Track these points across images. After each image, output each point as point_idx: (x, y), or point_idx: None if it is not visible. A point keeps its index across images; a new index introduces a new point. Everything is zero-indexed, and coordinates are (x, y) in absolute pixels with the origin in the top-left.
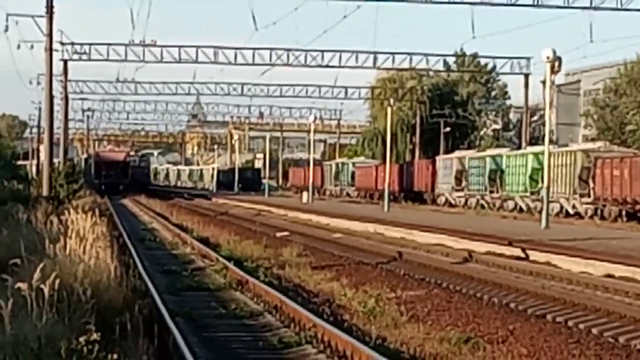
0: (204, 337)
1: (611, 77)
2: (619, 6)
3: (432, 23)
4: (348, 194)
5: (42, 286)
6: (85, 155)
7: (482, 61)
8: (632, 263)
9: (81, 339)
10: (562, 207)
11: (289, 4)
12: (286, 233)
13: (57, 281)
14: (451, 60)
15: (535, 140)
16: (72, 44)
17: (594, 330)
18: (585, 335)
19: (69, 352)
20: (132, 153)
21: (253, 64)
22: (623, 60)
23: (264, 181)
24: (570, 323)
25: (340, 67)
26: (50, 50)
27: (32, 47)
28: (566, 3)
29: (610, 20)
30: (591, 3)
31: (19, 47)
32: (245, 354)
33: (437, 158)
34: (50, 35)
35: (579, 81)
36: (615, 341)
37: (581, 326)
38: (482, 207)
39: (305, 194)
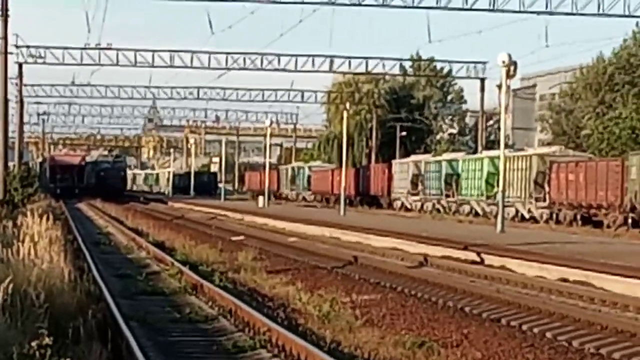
0: (158, 342)
1: (567, 81)
2: (575, 11)
3: (388, 27)
4: (304, 198)
5: None
6: (40, 159)
7: (438, 65)
8: (587, 267)
9: (33, 344)
10: (517, 211)
11: (245, 8)
12: (242, 237)
13: (11, 286)
14: (407, 64)
15: (491, 145)
16: (28, 47)
17: (548, 334)
18: (539, 339)
19: (21, 356)
20: (104, 153)
21: (209, 68)
22: (579, 64)
23: (220, 185)
24: (524, 327)
25: (296, 71)
26: (5, 53)
27: None
28: (522, 7)
29: (566, 25)
30: (547, 7)
31: None
32: (199, 359)
33: (393, 162)
34: (5, 38)
35: (534, 85)
36: (569, 345)
37: (535, 330)
38: (438, 211)
39: (261, 198)
